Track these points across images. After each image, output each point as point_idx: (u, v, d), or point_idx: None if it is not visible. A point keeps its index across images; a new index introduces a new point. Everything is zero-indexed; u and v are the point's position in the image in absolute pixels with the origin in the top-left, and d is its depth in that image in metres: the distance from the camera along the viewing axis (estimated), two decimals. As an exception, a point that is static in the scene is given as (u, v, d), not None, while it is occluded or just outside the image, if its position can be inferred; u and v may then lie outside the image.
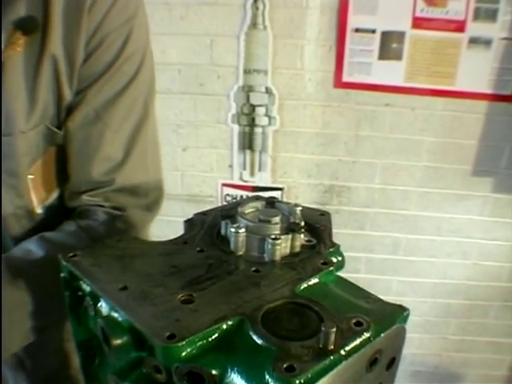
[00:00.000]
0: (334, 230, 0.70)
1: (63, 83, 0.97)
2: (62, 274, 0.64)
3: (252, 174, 2.59)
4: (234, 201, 0.79)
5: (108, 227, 1.00)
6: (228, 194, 2.64)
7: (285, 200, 2.32)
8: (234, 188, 2.63)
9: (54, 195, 1.08)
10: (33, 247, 0.96)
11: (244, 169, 2.59)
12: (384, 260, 2.67)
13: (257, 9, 2.34)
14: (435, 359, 2.89)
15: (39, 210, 1.06)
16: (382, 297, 0.56)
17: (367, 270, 2.65)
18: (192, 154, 2.58)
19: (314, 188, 2.60)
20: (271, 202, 0.68)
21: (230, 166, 2.60)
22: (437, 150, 2.50)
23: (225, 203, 2.60)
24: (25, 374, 1.25)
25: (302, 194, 2.62)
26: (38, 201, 1.05)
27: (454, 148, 2.49)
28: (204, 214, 0.72)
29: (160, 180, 1.13)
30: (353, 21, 2.33)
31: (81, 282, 0.61)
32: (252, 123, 2.50)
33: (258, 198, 0.70)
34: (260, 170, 2.57)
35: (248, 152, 2.55)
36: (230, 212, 0.66)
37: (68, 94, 0.98)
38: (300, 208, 0.66)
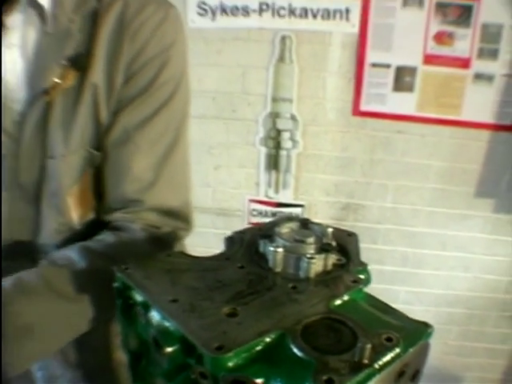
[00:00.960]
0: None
1: (101, 108, 0.96)
2: (116, 284, 0.63)
3: (276, 191, 2.58)
4: (269, 221, 0.77)
5: (145, 242, 0.98)
6: (254, 209, 2.63)
7: (305, 215, 2.35)
8: (259, 204, 2.62)
9: (92, 212, 1.06)
10: (74, 256, 0.94)
11: (269, 186, 2.58)
12: (393, 272, 2.65)
13: (284, 44, 2.35)
14: (437, 362, 2.85)
15: (79, 226, 1.05)
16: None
17: (378, 281, 2.58)
18: (223, 172, 2.58)
19: (332, 205, 2.59)
20: (304, 223, 0.68)
21: (257, 184, 2.60)
22: (443, 174, 2.49)
23: (251, 217, 2.63)
24: (71, 369, 1.24)
25: (321, 211, 2.60)
26: (77, 217, 1.04)
27: (459, 172, 2.47)
28: (242, 232, 0.71)
29: (189, 204, 1.10)
30: (370, 56, 2.33)
31: (133, 292, 0.60)
32: (278, 146, 2.50)
33: (291, 219, 0.69)
34: (284, 188, 2.56)
35: (273, 172, 2.55)
36: (267, 231, 0.65)
37: (105, 118, 0.97)
38: (331, 229, 0.65)
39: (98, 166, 1.01)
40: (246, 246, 0.66)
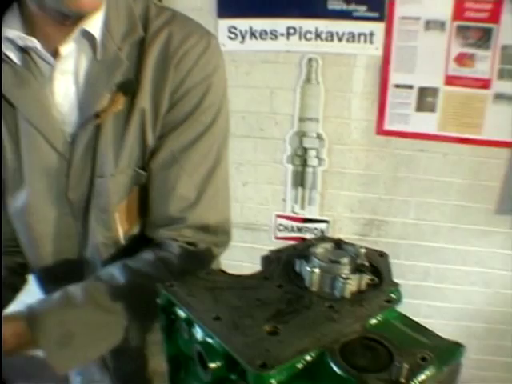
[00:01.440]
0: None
1: (148, 131, 0.98)
2: (160, 300, 0.64)
3: (302, 207, 2.58)
4: (304, 241, 0.77)
5: (182, 260, 1.00)
6: (280, 224, 2.63)
7: (330, 231, 2.34)
8: (286, 219, 2.62)
9: (137, 227, 1.09)
10: (116, 273, 0.97)
11: (295, 202, 2.58)
12: (415, 286, 2.63)
13: (311, 66, 2.36)
14: (457, 376, 2.82)
15: (124, 241, 1.07)
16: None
17: (400, 295, 2.59)
18: (251, 188, 2.59)
19: (355, 221, 2.58)
20: (338, 243, 0.68)
21: (284, 200, 2.60)
22: (464, 191, 2.46)
23: (277, 232, 2.64)
24: (108, 374, 1.27)
25: (345, 227, 2.60)
26: (123, 232, 1.06)
27: (479, 189, 2.44)
28: (279, 251, 0.72)
29: (228, 220, 1.12)
30: (393, 78, 2.33)
31: (177, 308, 0.61)
32: (304, 164, 2.50)
33: (324, 239, 0.70)
34: (309, 204, 2.56)
35: (300, 188, 2.55)
36: (302, 251, 0.66)
37: (151, 140, 1.00)
38: (364, 250, 0.65)
39: (143, 184, 1.04)
40: (283, 265, 0.67)
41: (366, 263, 0.63)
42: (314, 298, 0.59)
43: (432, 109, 2.35)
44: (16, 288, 1.21)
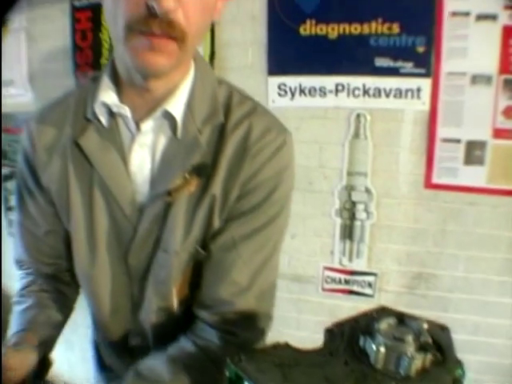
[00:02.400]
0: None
1: (215, 215, 1.01)
2: (228, 374, 0.66)
3: (350, 260, 2.57)
4: (364, 312, 0.78)
5: (223, 350, 1.01)
6: (328, 276, 2.62)
7: (378, 284, 2.32)
8: (333, 271, 2.61)
9: (187, 298, 1.11)
10: (158, 368, 0.99)
11: (343, 255, 2.57)
12: (465, 341, 2.54)
13: (359, 122, 2.40)
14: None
15: (176, 311, 1.11)
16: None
17: (450, 349, 2.54)
18: (299, 240, 2.60)
19: (404, 274, 2.55)
20: (400, 318, 0.70)
21: (332, 252, 2.60)
22: (515, 244, 2.42)
23: (325, 284, 2.63)
24: None
25: (393, 280, 2.57)
26: (176, 303, 1.10)
27: (530, 242, 2.40)
28: (341, 325, 0.73)
29: (272, 308, 1.13)
30: (441, 132, 2.34)
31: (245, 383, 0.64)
32: (352, 217, 2.51)
33: (385, 310, 0.72)
34: (357, 256, 2.56)
35: (348, 241, 2.55)
36: (366, 328, 0.68)
37: (217, 224, 1.03)
38: (426, 325, 0.67)
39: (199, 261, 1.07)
40: (347, 340, 0.68)
41: (430, 340, 0.64)
42: (380, 375, 0.60)
43: (480, 162, 2.33)
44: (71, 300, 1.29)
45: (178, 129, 0.99)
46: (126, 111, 0.99)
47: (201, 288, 1.07)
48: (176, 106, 0.99)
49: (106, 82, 1.02)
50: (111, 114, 1.02)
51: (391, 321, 0.68)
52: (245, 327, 1.07)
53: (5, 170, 3.36)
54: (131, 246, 1.06)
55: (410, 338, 0.63)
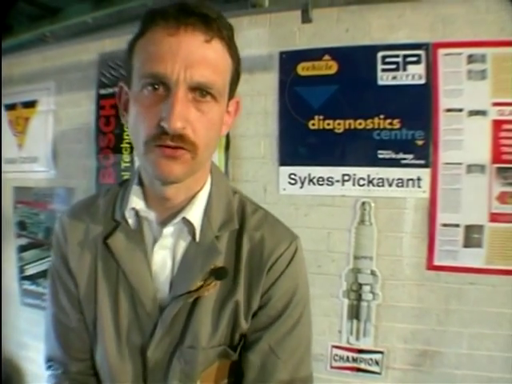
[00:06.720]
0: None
1: (241, 318, 1.09)
2: None
3: (357, 338, 2.64)
4: None
5: None
6: (336, 354, 2.69)
7: (385, 361, 2.40)
8: (341, 349, 2.68)
9: None
10: None
11: (351, 334, 2.65)
12: (471, 416, 2.58)
13: (364, 209, 2.56)
14: None
15: None
16: None
17: (457, 426, 2.56)
18: (308, 321, 2.67)
19: (409, 352, 2.61)
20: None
21: (339, 332, 2.68)
22: (517, 320, 2.46)
23: (333, 361, 2.69)
24: None
25: (399, 357, 2.63)
26: None
27: (532, 318, 2.43)
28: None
29: None
30: (441, 217, 2.49)
31: None
32: (359, 298, 2.61)
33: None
34: (364, 335, 2.63)
35: (355, 321, 2.63)
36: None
37: (243, 326, 1.10)
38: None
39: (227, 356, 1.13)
40: None
41: None
42: None
43: (479, 244, 2.45)
44: None
45: (196, 234, 1.08)
46: (152, 216, 1.09)
47: None
48: (194, 213, 1.08)
49: (135, 189, 1.12)
50: (137, 217, 1.12)
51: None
52: None
53: (23, 241, 3.54)
54: (151, 341, 1.10)
55: None
